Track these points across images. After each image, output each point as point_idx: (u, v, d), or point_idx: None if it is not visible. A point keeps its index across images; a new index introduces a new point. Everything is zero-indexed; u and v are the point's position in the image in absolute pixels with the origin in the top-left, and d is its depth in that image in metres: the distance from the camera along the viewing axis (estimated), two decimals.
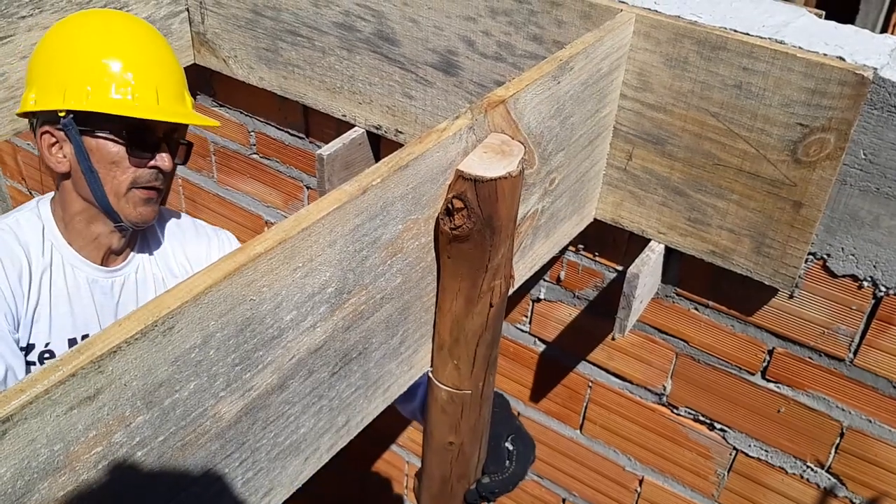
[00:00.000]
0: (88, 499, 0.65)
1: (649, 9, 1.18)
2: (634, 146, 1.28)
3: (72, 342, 1.29)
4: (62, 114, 1.18)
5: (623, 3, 1.19)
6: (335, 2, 1.45)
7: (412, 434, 2.04)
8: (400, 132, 1.53)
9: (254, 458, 0.83)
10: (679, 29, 1.16)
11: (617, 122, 1.28)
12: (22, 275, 1.22)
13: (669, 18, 1.16)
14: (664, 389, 1.53)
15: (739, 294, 1.35)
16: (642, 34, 1.19)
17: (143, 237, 1.40)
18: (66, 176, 1.25)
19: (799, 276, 1.27)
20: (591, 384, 1.63)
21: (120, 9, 1.52)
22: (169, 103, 1.25)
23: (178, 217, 1.48)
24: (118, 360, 0.62)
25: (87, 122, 1.20)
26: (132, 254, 1.37)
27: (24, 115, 1.25)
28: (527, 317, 1.64)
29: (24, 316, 1.22)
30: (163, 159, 1.26)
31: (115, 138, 1.22)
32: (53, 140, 1.22)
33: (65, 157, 1.23)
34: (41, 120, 1.22)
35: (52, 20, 1.40)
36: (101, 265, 1.32)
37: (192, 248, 1.43)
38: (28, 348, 1.24)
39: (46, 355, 1.26)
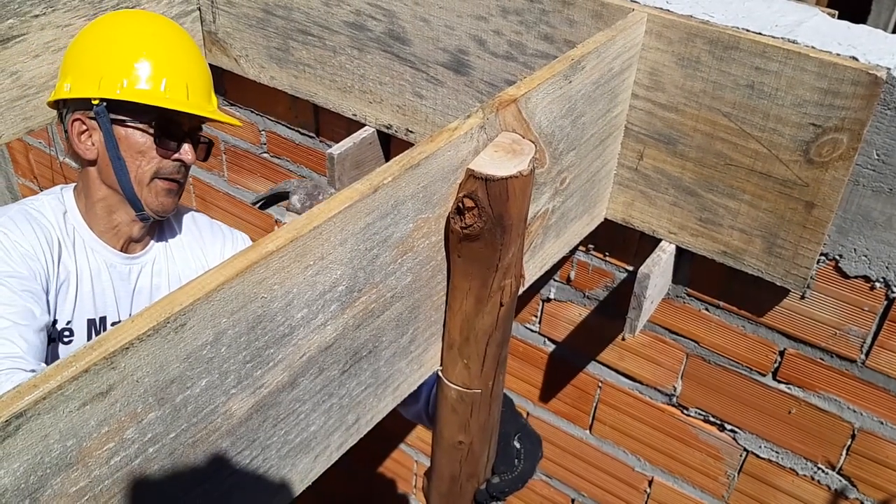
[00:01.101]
0: (100, 495, 0.65)
1: (661, 8, 1.18)
2: (646, 146, 1.27)
3: (90, 323, 1.33)
4: (96, 102, 1.24)
5: (636, 2, 1.19)
6: (346, 1, 1.45)
7: (421, 433, 2.04)
8: (410, 131, 1.53)
9: (264, 456, 0.83)
10: (691, 28, 1.15)
11: (628, 122, 1.27)
12: (52, 247, 1.27)
13: (681, 18, 1.16)
14: (674, 390, 1.53)
15: (751, 295, 1.35)
16: (654, 33, 1.19)
17: (160, 230, 1.44)
18: (93, 163, 1.30)
19: (811, 277, 1.26)
20: (600, 384, 1.62)
21: (131, 7, 1.53)
22: (197, 99, 1.30)
23: (196, 214, 1.53)
24: (131, 356, 0.62)
25: (119, 111, 1.25)
26: (151, 243, 1.41)
27: (55, 104, 1.30)
28: (537, 316, 1.64)
29: (51, 289, 1.27)
30: (186, 152, 1.31)
31: (145, 128, 1.27)
32: (84, 128, 1.27)
33: (93, 144, 1.28)
34: (72, 108, 1.28)
35: (65, 19, 1.41)
36: (121, 251, 1.36)
37: (208, 245, 1.48)
38: (52, 324, 1.27)
39: (66, 333, 1.30)
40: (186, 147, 1.31)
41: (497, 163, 0.89)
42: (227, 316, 0.70)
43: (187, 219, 1.49)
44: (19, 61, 1.37)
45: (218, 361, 0.71)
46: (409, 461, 2.13)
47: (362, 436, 0.99)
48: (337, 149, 1.51)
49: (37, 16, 1.37)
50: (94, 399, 0.61)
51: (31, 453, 0.58)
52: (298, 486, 0.91)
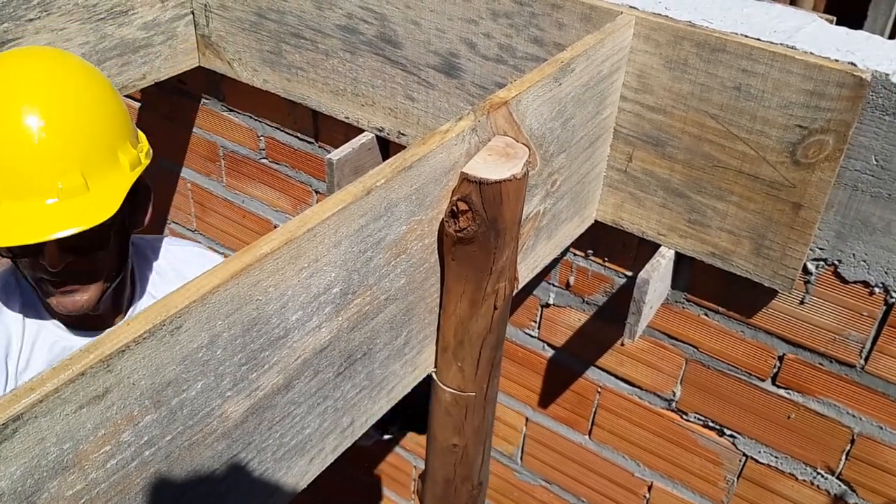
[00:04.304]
0: (97, 498, 0.66)
1: (658, 14, 1.19)
2: (634, 148, 1.29)
3: None
4: None
5: (633, 8, 1.20)
6: (338, 4, 1.46)
7: (419, 438, 2.04)
8: (403, 134, 1.54)
9: (260, 458, 0.84)
10: (678, 31, 1.17)
11: (617, 124, 1.28)
12: (10, 353, 1.17)
13: (671, 21, 1.17)
14: (674, 395, 1.53)
15: (749, 300, 1.36)
16: (642, 36, 1.20)
17: (142, 286, 1.33)
18: None
19: (812, 281, 1.27)
20: (599, 389, 1.63)
21: (125, 12, 1.53)
22: (36, 215, 1.05)
23: (181, 252, 1.40)
24: (127, 359, 0.63)
25: None
26: (134, 307, 1.31)
27: None
28: (535, 322, 1.65)
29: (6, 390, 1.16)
30: (49, 259, 1.09)
31: None
32: None
33: None
34: None
35: (60, 23, 1.41)
36: (92, 330, 1.24)
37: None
38: None
39: None
40: (49, 250, 1.08)
41: (491, 166, 0.90)
42: (222, 318, 0.70)
43: (172, 261, 1.36)
44: None
45: (214, 364, 0.72)
46: (407, 466, 2.13)
47: (357, 438, 1.00)
48: (336, 154, 1.52)
49: (31, 20, 1.37)
50: (91, 402, 0.61)
51: (27, 456, 0.58)
52: (294, 489, 0.92)
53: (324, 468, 0.95)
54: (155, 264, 1.38)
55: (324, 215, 0.78)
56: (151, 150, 1.26)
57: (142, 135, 1.29)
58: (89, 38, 1.50)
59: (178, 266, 1.39)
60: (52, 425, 0.59)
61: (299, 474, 0.91)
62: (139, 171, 1.19)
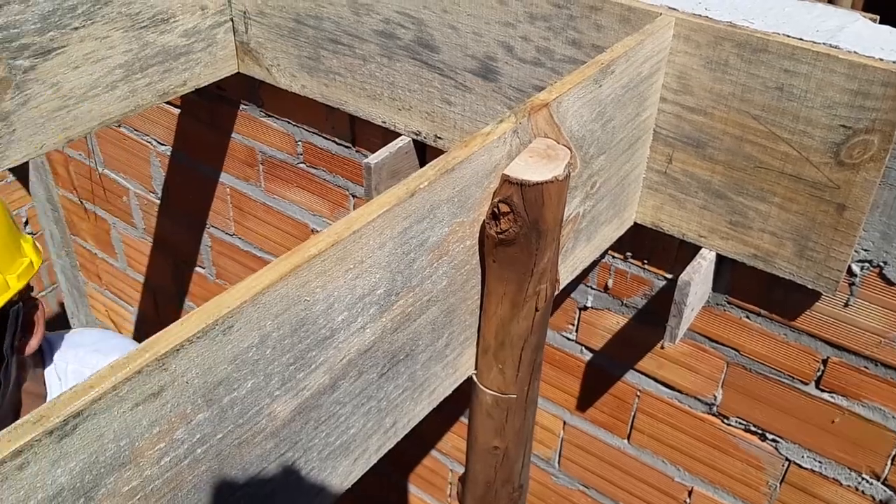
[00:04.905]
0: (151, 494, 0.67)
1: (699, 14, 1.18)
2: (674, 149, 1.28)
3: None
4: None
5: (673, 9, 1.20)
6: (376, 10, 1.47)
7: (456, 442, 2.04)
8: (439, 137, 1.55)
9: (306, 458, 0.85)
10: (719, 32, 1.16)
11: (657, 125, 1.28)
12: None
13: (711, 22, 1.17)
14: (715, 399, 1.52)
15: (792, 302, 1.34)
16: (682, 37, 1.19)
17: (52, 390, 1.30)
18: None
19: (855, 285, 1.26)
20: (639, 393, 1.62)
21: (167, 20, 1.55)
22: None
23: (89, 358, 1.37)
24: (181, 358, 0.64)
25: None
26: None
27: None
28: (573, 325, 1.64)
29: None
30: None
31: None
32: None
33: None
34: None
35: (104, 31, 1.44)
36: None
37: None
38: None
39: None
40: None
41: (532, 168, 0.90)
42: (272, 318, 0.72)
43: (74, 371, 1.32)
44: (60, 72, 1.40)
45: (263, 364, 0.73)
46: (443, 469, 2.13)
47: (399, 439, 1.00)
48: (373, 158, 1.53)
49: (76, 28, 1.40)
50: (147, 400, 0.63)
51: (86, 452, 0.60)
52: (338, 489, 0.92)
53: (367, 468, 0.96)
54: (57, 370, 1.33)
55: (369, 217, 0.79)
56: (39, 260, 1.21)
57: (28, 246, 1.24)
58: (132, 46, 1.53)
59: (84, 372, 1.35)
60: (110, 422, 0.60)
61: (344, 474, 0.92)
62: (5, 296, 1.14)
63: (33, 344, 1.22)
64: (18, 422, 0.56)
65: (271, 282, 0.70)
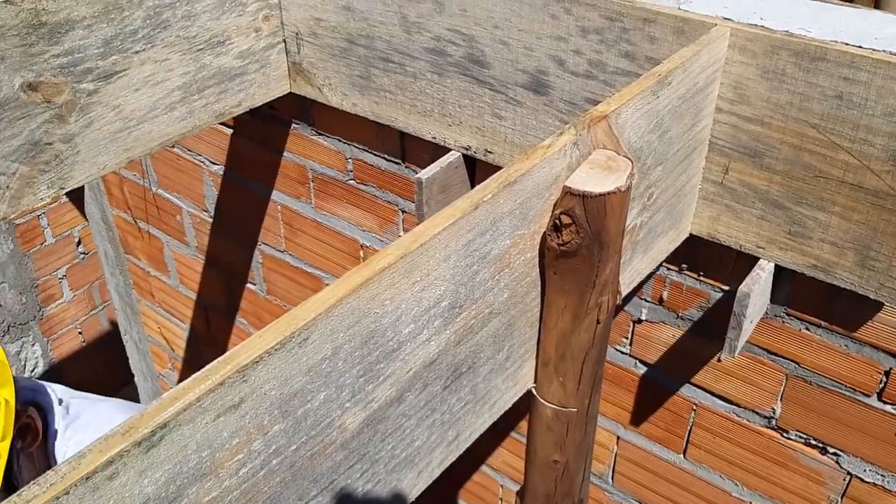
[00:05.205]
0: None
1: (754, 24, 1.18)
2: (731, 159, 1.27)
3: None
4: None
5: (727, 19, 1.19)
6: (427, 28, 1.49)
7: (506, 457, 2.04)
8: (489, 152, 1.56)
9: (373, 470, 0.85)
10: (775, 41, 1.15)
11: (713, 136, 1.27)
12: None
13: (768, 31, 1.16)
14: (773, 412, 1.50)
15: (854, 313, 1.32)
16: (738, 47, 1.19)
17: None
18: None
19: None
20: (695, 407, 1.60)
21: (223, 42, 1.59)
22: None
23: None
24: (260, 369, 0.65)
25: None
26: None
27: None
28: (627, 338, 1.63)
29: None
30: None
31: None
32: None
33: None
34: None
35: (163, 54, 1.48)
36: None
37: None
38: None
39: None
40: None
41: (594, 179, 0.90)
42: (344, 331, 0.73)
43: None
44: (121, 95, 1.44)
45: (335, 375, 0.74)
46: (493, 485, 2.13)
47: (461, 452, 1.01)
48: (425, 173, 1.54)
49: (137, 52, 1.44)
50: (227, 411, 0.64)
51: (171, 463, 0.61)
52: (403, 502, 0.93)
53: (431, 481, 0.97)
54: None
55: (435, 230, 0.80)
56: (11, 392, 1.25)
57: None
58: (189, 68, 1.57)
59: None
60: (194, 433, 0.62)
61: (409, 487, 0.93)
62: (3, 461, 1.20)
63: (36, 443, 1.32)
64: (108, 432, 0.57)
65: (344, 294, 0.71)
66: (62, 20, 1.34)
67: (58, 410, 1.45)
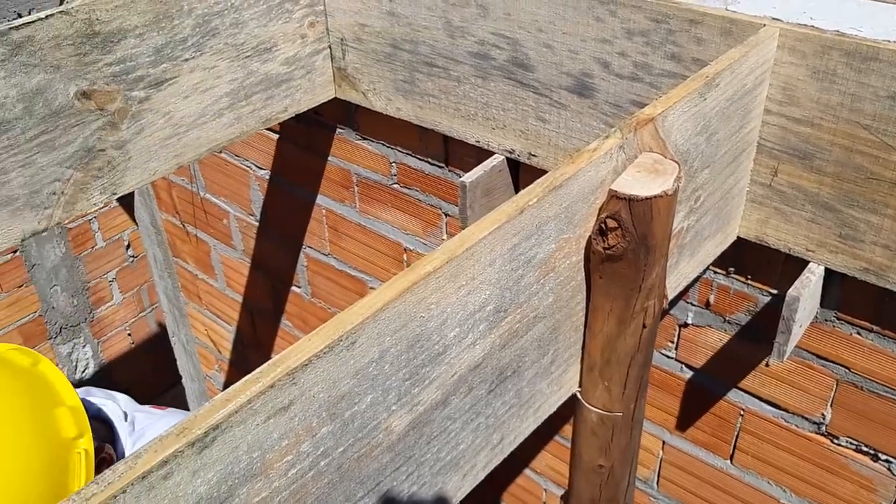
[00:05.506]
0: None
1: (804, 24, 1.16)
2: (780, 161, 1.25)
3: None
4: None
5: (776, 20, 1.18)
6: (471, 32, 1.49)
7: (550, 461, 2.03)
8: (533, 155, 1.55)
9: (419, 473, 0.86)
10: (826, 41, 1.13)
11: (761, 138, 1.25)
12: None
13: (818, 31, 1.14)
14: (823, 418, 1.47)
15: None
16: (787, 48, 1.17)
17: None
18: None
19: None
20: (742, 412, 1.58)
21: (269, 49, 1.62)
22: None
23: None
24: (308, 372, 0.66)
25: None
26: None
27: None
28: (673, 342, 1.61)
29: None
30: None
31: None
32: None
33: None
34: None
35: (211, 62, 1.51)
36: None
37: None
38: None
39: None
40: None
41: (640, 183, 0.90)
42: (390, 334, 0.73)
43: None
44: (171, 102, 1.47)
45: (381, 378, 0.75)
46: (537, 489, 2.12)
47: (506, 455, 1.01)
48: (468, 177, 1.55)
49: (187, 59, 1.47)
50: (277, 413, 0.65)
51: (223, 463, 0.62)
52: None
53: (475, 485, 0.97)
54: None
55: (481, 234, 0.80)
56: (89, 441, 1.24)
57: (68, 433, 1.25)
58: (237, 75, 1.60)
59: None
60: (245, 434, 0.63)
61: (454, 490, 0.93)
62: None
63: None
64: (162, 433, 0.59)
65: (391, 298, 0.72)
66: (115, 29, 1.37)
67: (124, 428, 1.46)
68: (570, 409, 1.12)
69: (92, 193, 1.44)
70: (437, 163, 1.82)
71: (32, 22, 1.28)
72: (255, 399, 0.62)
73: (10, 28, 1.25)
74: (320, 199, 2.19)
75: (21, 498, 1.08)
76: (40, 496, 1.09)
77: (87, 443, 1.23)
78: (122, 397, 1.53)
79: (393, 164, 1.92)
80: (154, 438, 0.58)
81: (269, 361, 0.65)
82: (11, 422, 1.13)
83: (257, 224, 2.49)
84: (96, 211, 3.43)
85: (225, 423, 0.61)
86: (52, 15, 1.30)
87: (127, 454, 1.45)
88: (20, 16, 1.83)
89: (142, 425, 1.48)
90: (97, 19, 1.34)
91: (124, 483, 0.55)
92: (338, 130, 2.01)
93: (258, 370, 0.64)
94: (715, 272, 1.48)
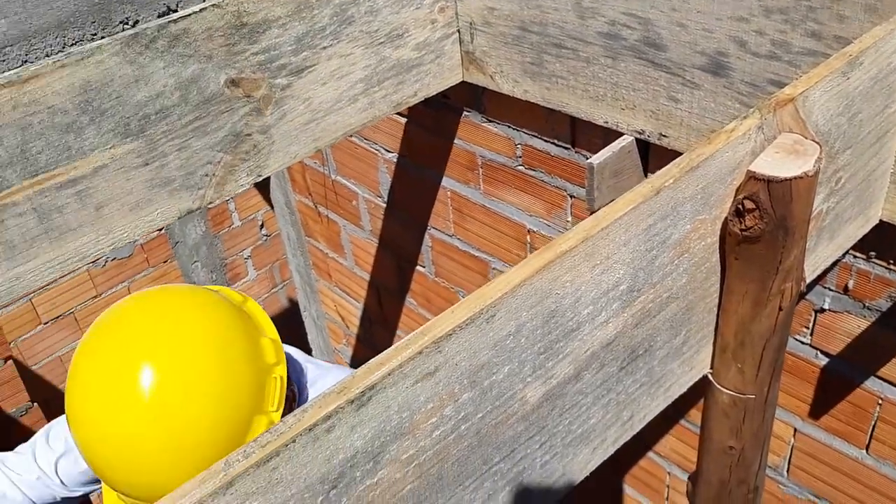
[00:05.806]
0: (424, 463, 0.74)
1: None
2: None
3: None
4: None
5: None
6: (601, 13, 1.50)
7: (675, 445, 2.02)
8: (664, 136, 1.54)
9: (551, 443, 0.89)
10: None
11: None
12: None
13: None
14: None
15: None
16: None
17: None
18: None
19: None
20: (880, 401, 1.52)
21: (401, 35, 1.67)
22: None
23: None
24: (452, 342, 0.70)
25: None
26: None
27: None
28: (808, 328, 1.57)
29: None
30: None
31: None
32: None
33: None
34: None
35: (347, 49, 1.58)
36: None
37: None
38: None
39: None
40: None
41: (779, 164, 0.89)
42: (527, 309, 0.77)
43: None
44: (311, 89, 1.56)
45: (518, 351, 0.78)
46: (661, 472, 2.11)
47: (635, 433, 1.02)
48: (596, 158, 1.55)
49: (325, 47, 1.55)
50: (424, 378, 0.70)
51: (377, 421, 0.68)
52: (577, 476, 0.96)
53: (604, 459, 0.99)
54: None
55: (616, 215, 0.82)
56: (283, 369, 1.39)
57: (269, 353, 1.42)
58: (371, 61, 1.66)
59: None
60: (396, 396, 0.68)
61: (583, 462, 0.96)
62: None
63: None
64: (325, 391, 0.64)
65: (528, 275, 0.75)
66: (260, 20, 1.46)
67: (301, 373, 1.62)
68: (696, 392, 1.12)
69: (239, 175, 1.54)
70: (563, 144, 1.83)
71: (188, 15, 1.38)
72: (405, 364, 0.67)
73: (169, 21, 1.36)
74: (445, 181, 2.24)
75: (232, 404, 1.28)
76: (243, 407, 1.29)
77: (282, 370, 1.39)
78: (294, 350, 1.66)
79: (518, 146, 1.94)
80: (317, 396, 0.64)
81: (417, 330, 0.69)
82: (231, 344, 1.32)
83: (385, 205, 2.58)
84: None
85: (379, 384, 0.66)
86: (205, 8, 1.39)
87: (310, 398, 1.57)
88: (170, 8, 1.96)
89: (313, 375, 1.62)
90: (245, 11, 1.43)
91: (294, 433, 0.61)
92: (464, 113, 2.05)
93: (406, 338, 0.69)
94: (855, 256, 1.43)
